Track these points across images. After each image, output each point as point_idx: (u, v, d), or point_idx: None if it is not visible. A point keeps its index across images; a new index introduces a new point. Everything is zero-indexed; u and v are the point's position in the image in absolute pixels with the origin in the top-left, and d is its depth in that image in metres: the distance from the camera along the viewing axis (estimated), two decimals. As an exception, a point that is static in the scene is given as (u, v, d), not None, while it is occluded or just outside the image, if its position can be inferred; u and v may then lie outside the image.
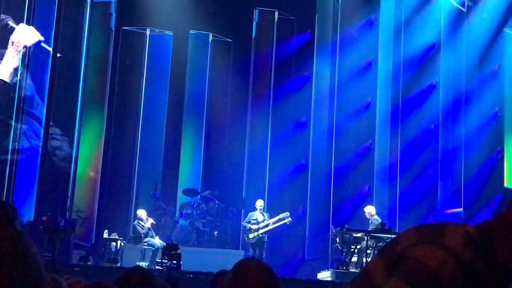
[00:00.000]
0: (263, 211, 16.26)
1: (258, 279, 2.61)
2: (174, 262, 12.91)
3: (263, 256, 15.76)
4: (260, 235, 15.79)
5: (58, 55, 16.61)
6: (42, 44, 16.46)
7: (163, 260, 13.29)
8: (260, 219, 15.90)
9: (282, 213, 16.17)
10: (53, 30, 16.95)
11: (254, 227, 15.75)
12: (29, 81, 16.34)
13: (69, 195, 16.99)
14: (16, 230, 1.54)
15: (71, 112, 17.58)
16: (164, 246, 13.97)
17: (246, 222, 16.05)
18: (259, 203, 16.23)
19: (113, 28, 18.43)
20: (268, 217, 16.04)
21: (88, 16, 17.84)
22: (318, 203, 18.17)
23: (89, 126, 18.09)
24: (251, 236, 15.77)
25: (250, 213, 16.30)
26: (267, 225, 15.86)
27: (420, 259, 1.84)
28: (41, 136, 16.60)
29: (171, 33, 19.11)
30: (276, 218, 15.95)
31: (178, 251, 13.21)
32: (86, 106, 17.85)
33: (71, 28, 17.68)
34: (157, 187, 18.34)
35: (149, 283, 2.87)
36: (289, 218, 15.99)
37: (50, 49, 16.55)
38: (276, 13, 19.50)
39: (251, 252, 15.87)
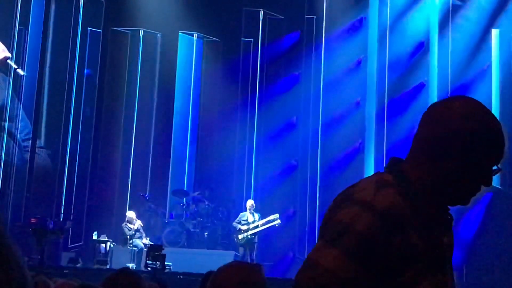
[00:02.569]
0: (253, 211, 16.24)
1: (227, 283, 2.56)
2: (159, 263, 12.92)
3: (254, 257, 15.75)
4: (249, 236, 15.77)
5: (23, 73, 16.55)
6: (9, 61, 16.36)
7: (147, 261, 13.28)
8: (250, 220, 15.90)
9: (272, 214, 16.16)
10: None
11: (243, 227, 15.75)
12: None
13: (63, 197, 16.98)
14: None
15: (60, 113, 17.54)
16: (148, 247, 13.98)
17: (237, 223, 16.04)
18: (249, 203, 16.26)
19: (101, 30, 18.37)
20: (259, 218, 16.02)
21: (80, 18, 17.82)
22: (309, 203, 18.16)
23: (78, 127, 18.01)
24: (240, 237, 15.77)
25: (241, 214, 16.31)
26: (256, 226, 15.85)
27: (343, 219, 1.82)
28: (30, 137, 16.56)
29: (159, 33, 19.06)
30: (265, 220, 15.95)
31: (163, 252, 13.23)
32: (74, 106, 17.79)
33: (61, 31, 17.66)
34: (147, 189, 18.29)
35: (137, 284, 2.84)
36: (279, 220, 16.00)
37: (15, 66, 16.45)
38: (265, 13, 19.46)
39: (241, 253, 15.86)
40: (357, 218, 1.81)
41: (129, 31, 19.02)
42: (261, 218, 16.09)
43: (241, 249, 15.95)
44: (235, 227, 16.06)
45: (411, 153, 1.95)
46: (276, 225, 16.06)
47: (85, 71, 17.80)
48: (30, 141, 16.78)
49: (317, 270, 1.79)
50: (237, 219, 16.24)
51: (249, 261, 15.45)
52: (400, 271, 1.80)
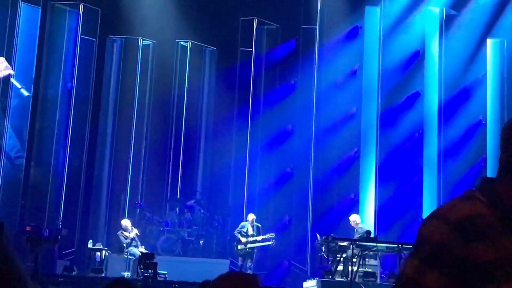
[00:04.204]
0: (254, 223, 16.30)
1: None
2: (150, 271, 12.90)
3: (251, 266, 15.79)
4: (248, 249, 15.90)
5: (27, 94, 16.57)
6: (12, 80, 16.36)
7: (139, 269, 13.27)
8: (250, 232, 16.05)
9: (268, 233, 16.31)
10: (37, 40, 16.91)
11: (243, 239, 15.89)
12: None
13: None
14: (1, 246, 1.52)
15: (53, 122, 17.55)
16: (140, 255, 13.96)
17: (237, 232, 16.13)
18: (251, 217, 16.35)
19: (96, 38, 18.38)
20: (256, 232, 16.14)
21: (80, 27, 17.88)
22: (304, 212, 18.16)
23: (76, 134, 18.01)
24: (240, 247, 15.97)
25: (242, 223, 16.38)
26: (253, 241, 15.99)
27: (422, 233, 1.99)
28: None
29: (154, 42, 19.08)
30: (262, 238, 16.07)
31: (155, 260, 13.22)
32: (67, 115, 17.80)
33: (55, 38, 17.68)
34: (142, 197, 18.27)
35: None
36: (273, 241, 16.12)
37: (19, 85, 16.46)
38: (261, 22, 19.51)
39: (240, 262, 15.93)
40: (434, 230, 1.97)
41: (123, 39, 19.04)
42: (260, 231, 16.19)
43: (240, 259, 16.05)
44: (235, 236, 16.16)
45: (499, 171, 2.07)
46: (272, 245, 16.20)
47: (69, 84, 17.78)
48: (22, 155, 16.74)
49: (402, 278, 2.00)
50: (238, 228, 16.27)
51: (246, 270, 15.49)
52: (484, 278, 1.92)
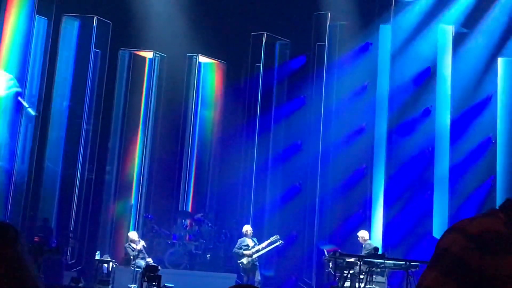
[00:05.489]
0: (252, 236, 16.20)
1: None
2: (155, 283, 12.93)
3: (260, 280, 15.70)
4: (255, 260, 15.75)
5: (33, 113, 16.68)
6: (20, 99, 16.44)
7: (143, 282, 13.28)
8: (251, 245, 15.88)
9: (272, 236, 16.17)
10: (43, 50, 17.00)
11: (247, 252, 15.71)
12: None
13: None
14: (16, 252, 1.54)
15: (61, 130, 17.63)
16: (144, 267, 13.96)
17: (238, 249, 15.96)
18: (247, 228, 16.24)
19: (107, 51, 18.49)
20: (257, 242, 16.02)
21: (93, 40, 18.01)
22: (312, 227, 18.12)
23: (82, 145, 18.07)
24: (245, 261, 15.72)
25: (240, 239, 16.24)
26: (258, 250, 15.85)
27: (442, 245, 2.04)
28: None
29: (165, 55, 19.18)
30: (267, 242, 15.93)
31: (160, 273, 13.25)
32: (78, 126, 17.88)
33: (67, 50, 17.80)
34: (150, 210, 18.29)
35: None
36: (280, 241, 15.96)
37: (26, 104, 16.56)
38: (272, 37, 19.59)
39: (246, 277, 15.79)
40: (452, 242, 2.02)
41: (132, 53, 19.15)
42: (260, 242, 16.07)
43: (245, 275, 15.87)
44: (237, 253, 15.96)
45: None
46: (280, 245, 16.04)
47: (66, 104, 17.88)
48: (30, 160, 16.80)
49: None
50: (237, 245, 16.15)
51: (255, 284, 15.43)
52: None
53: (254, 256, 15.78)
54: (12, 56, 16.71)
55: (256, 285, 15.34)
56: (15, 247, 1.54)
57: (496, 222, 2.04)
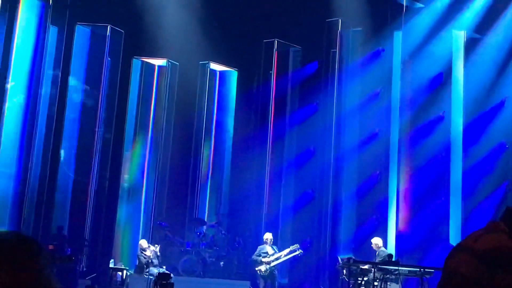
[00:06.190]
0: (272, 244, 16.15)
1: None
2: None
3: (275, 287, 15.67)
4: (273, 268, 15.71)
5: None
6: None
7: None
8: (270, 252, 15.83)
9: (292, 245, 16.13)
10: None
11: (266, 260, 15.67)
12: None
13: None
14: (38, 266, 1.56)
15: (87, 136, 17.76)
16: (156, 275, 13.99)
17: (257, 256, 15.92)
18: (268, 236, 16.17)
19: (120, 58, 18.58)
20: (277, 250, 15.96)
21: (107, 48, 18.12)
22: (325, 234, 18.10)
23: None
24: (263, 269, 15.67)
25: (260, 246, 16.21)
26: (278, 258, 15.79)
27: (451, 266, 2.09)
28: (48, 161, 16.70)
29: (177, 64, 19.25)
30: (287, 251, 15.86)
31: (173, 281, 13.27)
32: (93, 134, 17.97)
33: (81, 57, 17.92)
34: (163, 217, 18.33)
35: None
36: (300, 250, 15.91)
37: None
38: (283, 44, 19.63)
39: (262, 284, 15.73)
40: (461, 262, 2.05)
41: (144, 61, 19.25)
42: (279, 250, 16.02)
43: (261, 282, 15.82)
44: (255, 260, 15.92)
45: None
46: (299, 255, 15.99)
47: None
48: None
49: None
50: (256, 252, 16.11)
51: None
52: None
53: (273, 264, 15.74)
54: (25, 65, 16.83)
55: None
56: (38, 261, 1.56)
57: (502, 238, 2.03)
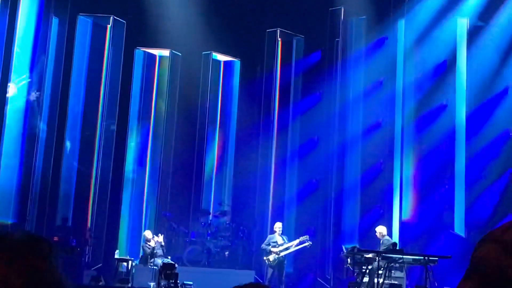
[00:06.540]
0: (282, 233, 16.12)
1: None
2: (172, 281, 13.02)
3: (283, 277, 15.65)
4: (281, 258, 15.69)
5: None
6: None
7: (160, 280, 13.36)
8: (280, 242, 15.80)
9: (297, 234, 16.14)
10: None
11: (275, 249, 15.64)
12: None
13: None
14: (50, 265, 1.56)
15: (90, 127, 17.78)
16: (160, 265, 14.03)
17: (266, 245, 15.90)
18: (278, 225, 16.14)
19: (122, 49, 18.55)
20: (287, 240, 15.95)
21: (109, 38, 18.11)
22: (329, 223, 18.12)
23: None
24: (271, 258, 15.63)
25: (270, 236, 16.21)
26: (287, 248, 15.76)
27: (477, 255, 2.02)
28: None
29: (179, 54, 19.21)
30: (297, 241, 15.84)
31: (178, 271, 13.32)
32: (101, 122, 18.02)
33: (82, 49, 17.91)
34: (168, 207, 18.35)
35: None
36: (310, 242, 15.89)
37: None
38: (287, 33, 19.58)
39: (270, 273, 15.74)
40: (488, 252, 2.01)
41: (146, 52, 19.22)
42: (290, 240, 16.01)
43: (270, 270, 15.81)
44: (264, 249, 15.89)
45: None
46: (308, 246, 15.96)
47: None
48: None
49: None
50: (266, 241, 16.09)
51: (276, 282, 15.42)
52: None
53: (282, 254, 15.71)
54: (26, 56, 16.83)
55: (281, 285, 15.37)
56: (50, 261, 1.56)
57: None
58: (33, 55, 16.86)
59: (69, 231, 16.42)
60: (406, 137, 17.92)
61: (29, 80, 16.69)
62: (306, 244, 15.86)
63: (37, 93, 16.67)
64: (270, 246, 15.71)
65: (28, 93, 16.70)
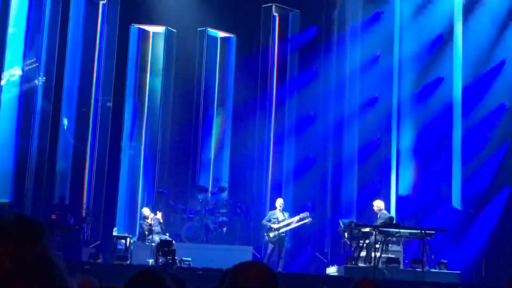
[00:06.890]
0: (283, 210, 16.04)
1: (258, 280, 2.56)
2: (169, 258, 13.06)
3: (283, 253, 15.65)
4: (282, 234, 15.64)
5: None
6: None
7: (158, 257, 13.40)
8: (280, 218, 15.72)
9: (297, 211, 16.14)
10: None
11: (275, 226, 15.58)
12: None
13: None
14: (42, 248, 1.55)
15: (85, 104, 17.74)
16: (158, 242, 14.06)
17: (267, 221, 15.84)
18: (279, 201, 16.05)
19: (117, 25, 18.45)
20: (288, 216, 15.89)
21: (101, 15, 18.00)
22: (326, 198, 18.17)
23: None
24: (271, 235, 15.57)
25: (270, 212, 16.14)
26: (288, 224, 15.71)
27: None
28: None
29: (175, 31, 19.10)
30: (297, 218, 15.78)
31: (177, 247, 13.35)
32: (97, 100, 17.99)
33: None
34: (165, 184, 18.36)
35: (162, 285, 2.83)
36: (310, 218, 15.86)
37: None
38: (282, 8, 19.46)
39: (270, 248, 15.73)
40: None
41: (142, 28, 19.12)
42: (290, 216, 15.96)
43: (270, 246, 15.77)
44: (265, 225, 15.83)
45: None
46: (308, 223, 15.93)
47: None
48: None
49: None
50: (266, 217, 16.02)
51: (276, 258, 15.43)
52: None
53: (282, 230, 15.65)
54: (21, 34, 16.74)
55: (280, 260, 15.39)
56: (41, 243, 1.55)
57: None
58: (27, 33, 16.76)
59: (67, 209, 16.44)
60: (403, 111, 17.92)
61: (27, 60, 16.62)
62: (307, 220, 15.83)
63: (34, 64, 16.58)
64: (271, 223, 15.66)
65: (24, 71, 16.64)
